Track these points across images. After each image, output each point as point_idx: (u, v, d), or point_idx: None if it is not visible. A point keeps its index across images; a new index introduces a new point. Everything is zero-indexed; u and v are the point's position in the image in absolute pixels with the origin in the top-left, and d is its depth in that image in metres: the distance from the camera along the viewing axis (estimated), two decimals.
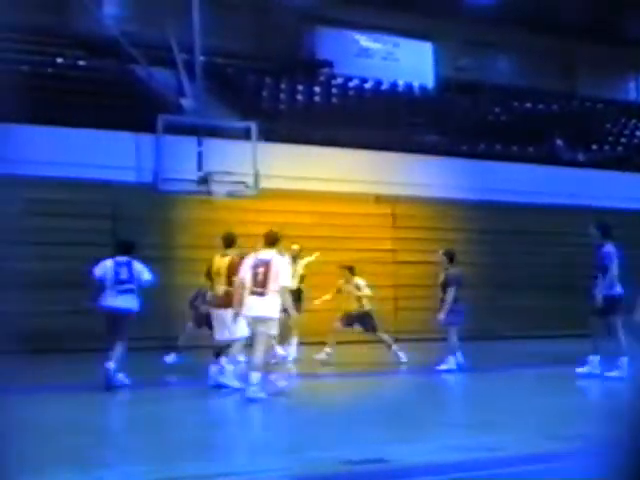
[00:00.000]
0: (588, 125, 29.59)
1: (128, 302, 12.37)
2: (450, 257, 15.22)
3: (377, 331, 15.92)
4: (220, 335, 12.27)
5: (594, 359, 13.25)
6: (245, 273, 11.15)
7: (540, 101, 30.65)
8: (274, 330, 11.35)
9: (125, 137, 19.65)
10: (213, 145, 19.57)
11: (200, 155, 19.68)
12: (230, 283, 11.96)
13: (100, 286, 12.58)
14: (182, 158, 19.09)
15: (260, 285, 11.02)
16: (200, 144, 19.74)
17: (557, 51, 32.96)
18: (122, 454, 8.11)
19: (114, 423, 10.53)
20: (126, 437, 9.24)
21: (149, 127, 19.03)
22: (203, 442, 8.73)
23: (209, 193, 19.28)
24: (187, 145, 19.44)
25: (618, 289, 13.48)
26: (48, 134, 18.38)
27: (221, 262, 12.39)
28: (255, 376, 10.86)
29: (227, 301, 11.91)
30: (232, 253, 12.43)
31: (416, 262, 21.62)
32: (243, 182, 19.51)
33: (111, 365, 12.03)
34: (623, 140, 30.16)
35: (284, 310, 11.76)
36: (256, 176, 19.48)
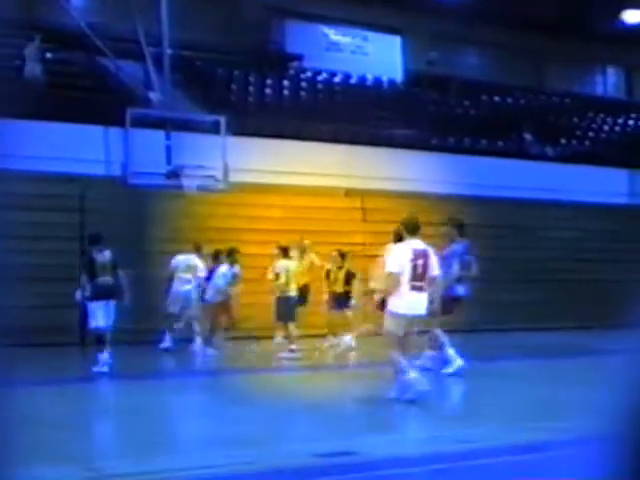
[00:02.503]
0: (556, 119, 29.74)
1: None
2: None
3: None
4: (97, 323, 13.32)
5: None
6: (401, 266, 10.12)
7: (508, 95, 30.75)
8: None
9: (94, 130, 19.50)
10: (182, 139, 19.45)
11: (169, 149, 19.55)
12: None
13: None
14: (152, 151, 18.97)
15: (420, 279, 10.19)
16: (169, 137, 19.61)
17: (525, 46, 33.06)
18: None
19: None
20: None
21: (118, 120, 18.88)
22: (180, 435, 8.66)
23: (179, 187, 19.15)
24: (156, 138, 19.30)
25: (460, 290, 13.34)
26: (15, 127, 18.14)
27: (102, 257, 13.52)
28: (416, 376, 10.10)
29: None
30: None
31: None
32: (213, 176, 19.40)
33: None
34: (591, 134, 30.34)
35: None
36: (225, 170, 19.38)
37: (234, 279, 16.61)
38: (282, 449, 7.90)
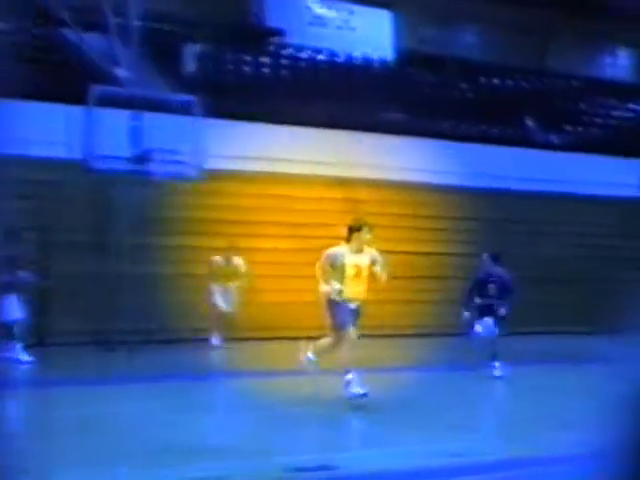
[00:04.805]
0: (561, 104, 29.78)
1: None
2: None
3: None
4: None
5: None
6: None
7: (509, 77, 30.77)
8: None
9: (54, 109, 19.39)
10: (152, 120, 19.34)
11: (136, 130, 19.44)
12: None
13: None
14: (118, 133, 18.86)
15: None
16: (136, 118, 19.50)
17: (528, 24, 33.06)
18: None
19: None
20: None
21: (80, 98, 18.77)
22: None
23: (147, 173, 19.07)
24: (123, 119, 19.21)
25: None
26: None
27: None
28: None
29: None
30: None
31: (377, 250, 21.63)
32: (184, 161, 19.33)
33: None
34: (599, 121, 30.41)
35: None
36: (199, 155, 19.30)
37: None
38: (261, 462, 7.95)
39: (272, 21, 28.81)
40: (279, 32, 28.57)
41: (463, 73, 29.40)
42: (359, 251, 11.94)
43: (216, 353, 17.17)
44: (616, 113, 31.50)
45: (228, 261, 16.72)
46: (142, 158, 19.11)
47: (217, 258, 16.93)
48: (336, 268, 11.85)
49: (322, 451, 8.49)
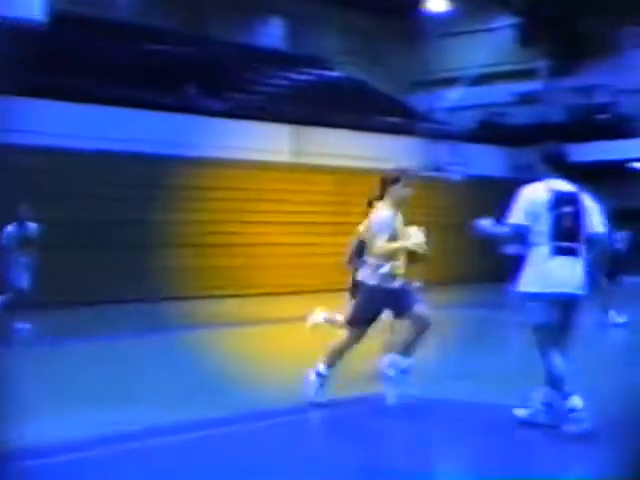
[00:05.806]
0: (223, 71, 29.74)
1: None
2: None
3: None
4: None
5: None
6: (533, 217, 7.67)
7: (170, 43, 30.29)
8: None
9: None
10: None
11: None
12: None
13: None
14: None
15: (568, 237, 7.70)
16: None
17: None
18: None
19: None
20: None
21: None
22: None
23: None
24: None
25: None
26: None
27: None
28: None
29: None
30: None
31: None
32: None
33: None
34: (257, 88, 30.70)
35: None
36: None
37: None
38: None
39: None
40: None
41: (118, 36, 28.53)
42: (397, 212, 8.80)
43: None
44: (275, 81, 31.96)
45: (22, 229, 15.29)
46: None
47: (10, 227, 15.45)
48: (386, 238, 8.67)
49: None
